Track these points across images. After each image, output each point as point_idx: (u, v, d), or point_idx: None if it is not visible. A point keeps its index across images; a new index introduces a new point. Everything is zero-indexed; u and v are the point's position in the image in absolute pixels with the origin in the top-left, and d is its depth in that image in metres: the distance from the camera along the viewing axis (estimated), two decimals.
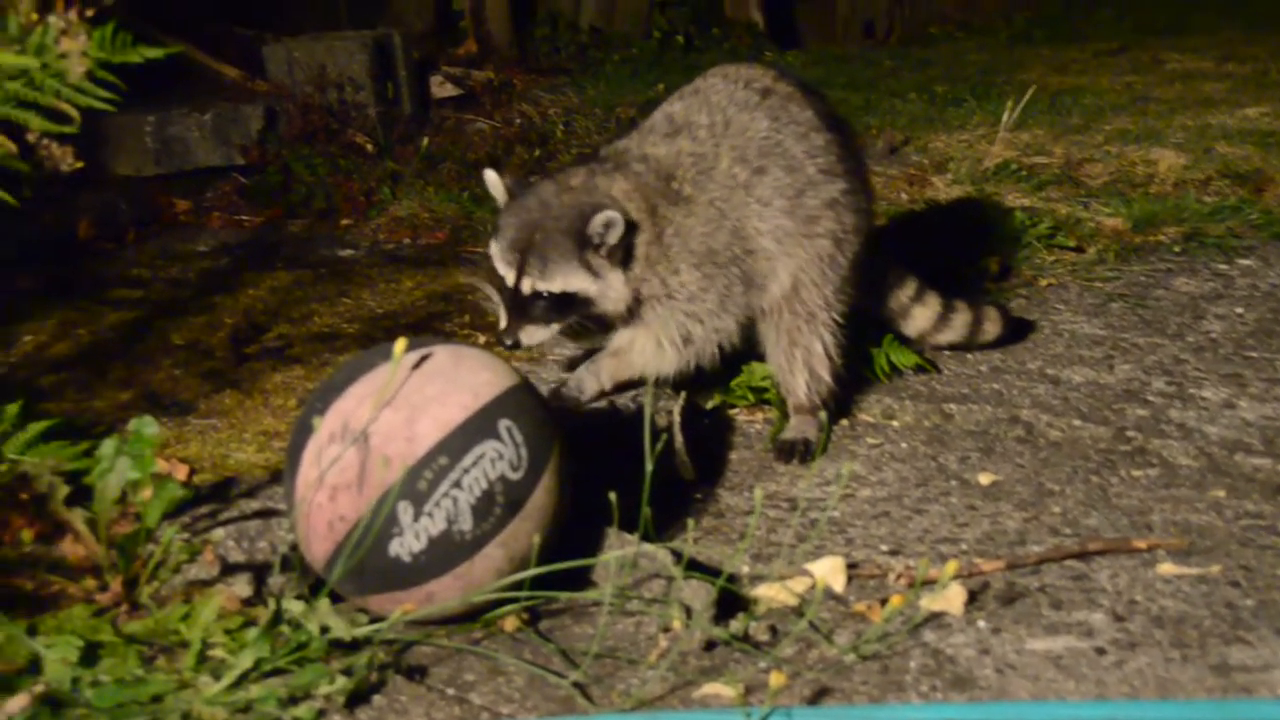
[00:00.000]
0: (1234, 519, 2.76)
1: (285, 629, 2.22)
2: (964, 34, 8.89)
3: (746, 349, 3.27)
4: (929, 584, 2.48)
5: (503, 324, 2.98)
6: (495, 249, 2.98)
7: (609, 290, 2.97)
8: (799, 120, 3.15)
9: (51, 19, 2.20)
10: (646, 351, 3.10)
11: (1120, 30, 8.30)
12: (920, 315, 3.53)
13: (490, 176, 3.07)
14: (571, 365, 3.35)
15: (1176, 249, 4.46)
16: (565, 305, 2.96)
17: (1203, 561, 2.59)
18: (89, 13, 2.23)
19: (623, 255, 2.96)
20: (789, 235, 3.10)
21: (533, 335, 2.98)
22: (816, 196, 3.12)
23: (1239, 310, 3.91)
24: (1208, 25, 8.14)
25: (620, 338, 3.12)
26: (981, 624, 2.41)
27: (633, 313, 3.04)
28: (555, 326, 2.98)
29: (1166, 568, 2.57)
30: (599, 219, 2.89)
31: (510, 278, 2.95)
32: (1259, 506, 2.81)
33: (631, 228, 2.93)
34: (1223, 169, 5.11)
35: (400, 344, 2.32)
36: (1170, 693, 2.18)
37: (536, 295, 2.94)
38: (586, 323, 3.03)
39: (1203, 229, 4.57)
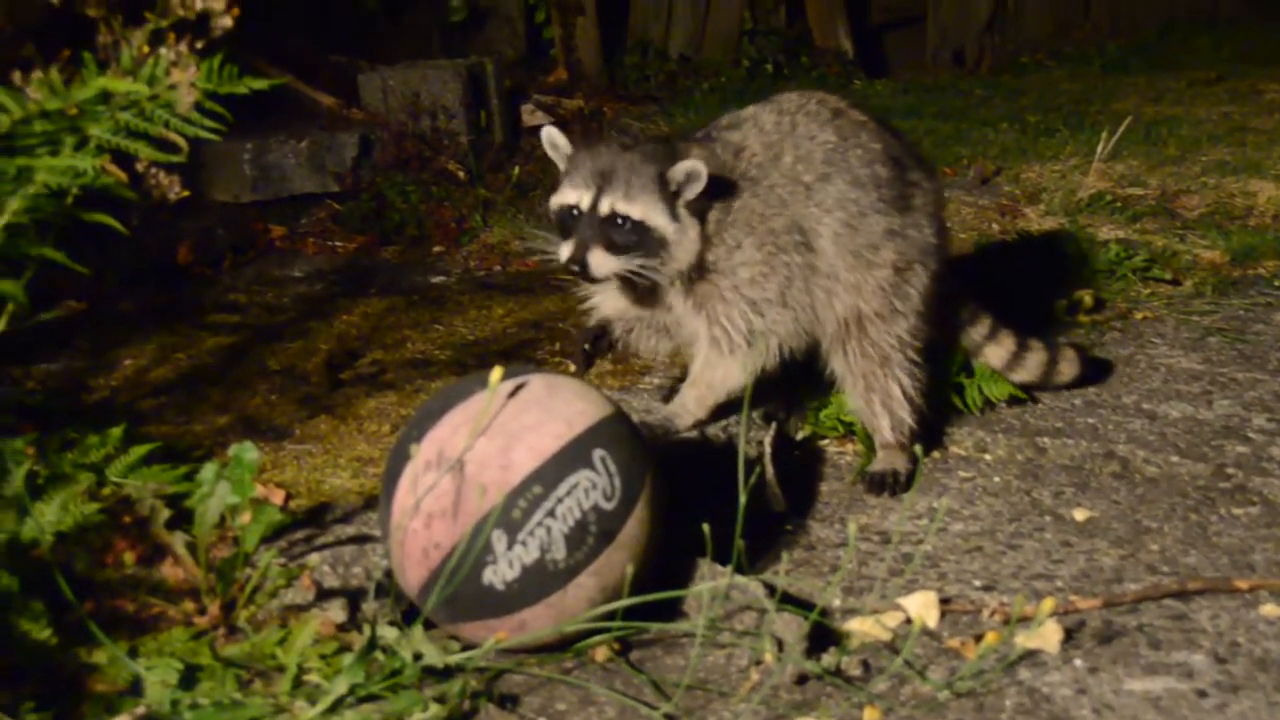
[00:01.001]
0: None
1: (379, 655, 2.24)
2: (1055, 63, 8.80)
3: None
4: (1024, 621, 2.45)
5: (569, 249, 2.90)
6: (569, 181, 2.94)
7: (684, 237, 2.94)
8: (867, 147, 3.13)
9: (163, 51, 2.24)
10: (714, 363, 3.08)
11: (1217, 59, 8.18)
12: (993, 354, 3.48)
13: (551, 131, 3.02)
14: (664, 398, 3.35)
15: (1277, 283, 4.39)
16: (639, 239, 2.90)
17: None
18: (199, 45, 2.28)
19: (698, 211, 2.95)
20: (849, 252, 3.09)
21: (602, 263, 2.90)
22: (878, 225, 3.09)
23: None
24: None
25: (694, 349, 3.13)
26: (1078, 663, 2.38)
27: (693, 284, 3.01)
28: (624, 260, 2.91)
29: (1269, 609, 2.52)
30: (682, 166, 2.89)
31: (587, 200, 2.90)
32: None
33: (709, 186, 2.91)
34: None
35: (496, 373, 2.33)
36: None
37: (614, 218, 2.89)
38: (651, 272, 2.95)
39: None
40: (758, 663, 2.36)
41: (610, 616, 2.32)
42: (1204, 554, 2.77)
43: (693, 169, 2.88)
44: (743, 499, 2.31)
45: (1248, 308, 4.18)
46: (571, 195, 2.92)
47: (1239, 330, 3.99)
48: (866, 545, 2.86)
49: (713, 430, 3.20)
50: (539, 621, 2.31)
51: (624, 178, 2.89)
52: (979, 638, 2.44)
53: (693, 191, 2.90)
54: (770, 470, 3.05)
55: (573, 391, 2.45)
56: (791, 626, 2.38)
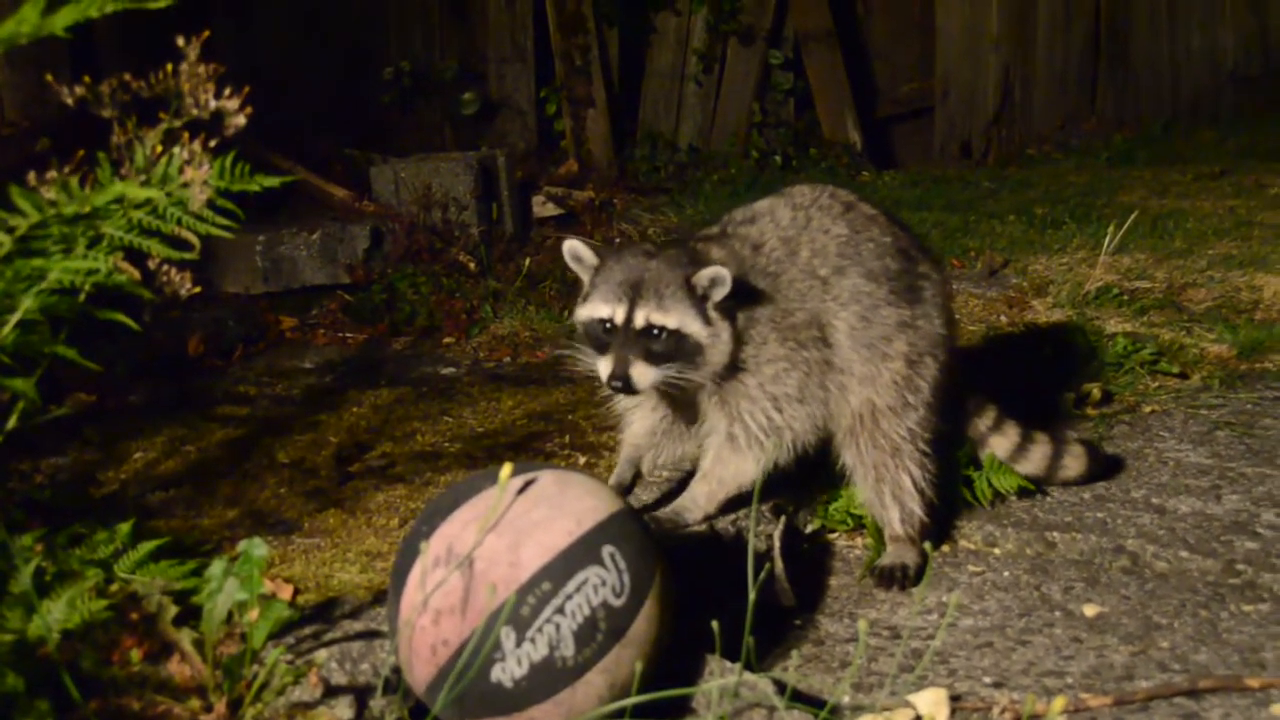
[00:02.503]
0: None
1: None
2: (1062, 155, 8.88)
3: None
4: (1036, 719, 2.44)
5: (608, 365, 2.91)
6: (599, 294, 2.94)
7: (718, 340, 2.95)
8: (878, 241, 3.17)
9: (176, 150, 2.28)
10: (727, 459, 3.09)
11: (1222, 153, 8.25)
12: (998, 444, 3.49)
13: (573, 245, 3.03)
14: (668, 495, 3.35)
15: None
16: (676, 347, 2.92)
17: None
18: (212, 143, 2.31)
19: (727, 312, 2.97)
20: (863, 345, 3.10)
21: (643, 375, 2.90)
22: (891, 317, 3.11)
23: None
24: None
25: (706, 443, 3.14)
26: None
27: (721, 383, 3.02)
28: (664, 370, 2.91)
29: None
30: (707, 272, 2.90)
31: (620, 314, 2.90)
32: None
33: (735, 286, 2.93)
34: None
35: (506, 469, 2.34)
36: None
37: (649, 330, 2.89)
38: (690, 378, 2.97)
39: None
40: None
41: (620, 714, 2.31)
42: (1215, 651, 2.75)
43: (717, 275, 2.89)
44: (752, 595, 2.30)
45: (1255, 402, 4.19)
46: (604, 309, 2.93)
47: (1247, 425, 3.99)
48: (876, 640, 2.85)
49: (721, 524, 3.20)
50: (548, 719, 2.30)
51: (654, 287, 2.90)
52: None
53: (720, 294, 2.92)
54: (779, 565, 3.05)
55: (583, 488, 2.45)
56: None
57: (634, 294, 2.90)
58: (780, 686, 2.42)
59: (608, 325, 2.92)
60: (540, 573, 2.28)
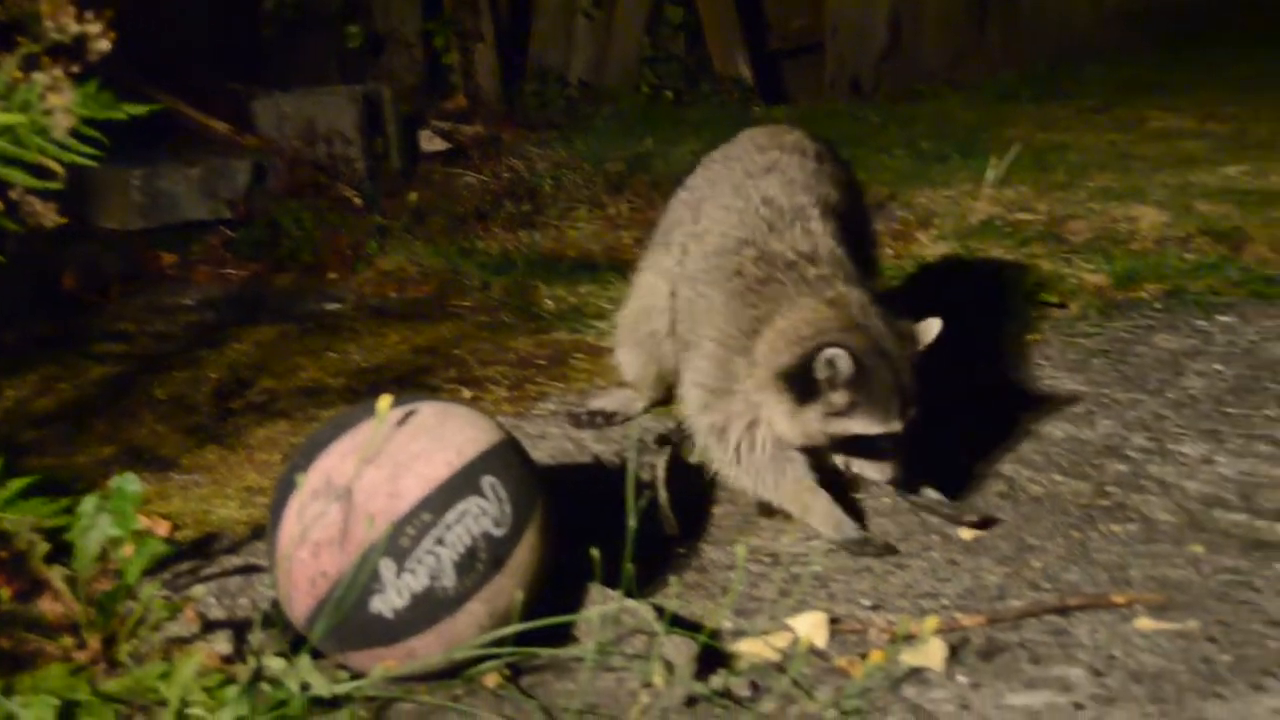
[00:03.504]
0: (1211, 574, 2.78)
1: (265, 686, 2.22)
2: (951, 91, 8.94)
3: None
4: (910, 639, 2.48)
5: (892, 471, 2.89)
6: (874, 408, 2.82)
7: None
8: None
9: (37, 76, 2.22)
10: None
11: (1105, 89, 8.35)
12: None
13: (834, 354, 2.77)
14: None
15: (1158, 305, 4.49)
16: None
17: (1180, 617, 2.60)
18: (74, 69, 2.25)
19: None
20: None
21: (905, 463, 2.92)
22: None
23: (1218, 367, 3.93)
24: (1190, 86, 8.19)
25: None
26: (961, 679, 2.41)
27: None
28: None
29: (1145, 623, 2.58)
30: (925, 336, 2.92)
31: (898, 424, 2.85)
32: (1236, 561, 2.82)
33: None
34: (1203, 226, 5.14)
35: (384, 400, 2.33)
36: None
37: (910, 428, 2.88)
38: None
39: (1183, 286, 4.60)
40: (647, 685, 2.37)
41: (500, 643, 2.32)
42: (1084, 570, 2.83)
43: (933, 332, 2.93)
44: (632, 522, 2.32)
45: (1130, 330, 4.28)
46: (884, 425, 2.84)
47: (1121, 352, 4.08)
48: (758, 567, 2.88)
49: (607, 455, 3.21)
50: (428, 649, 2.31)
51: (909, 383, 2.86)
52: (866, 657, 2.46)
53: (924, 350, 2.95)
54: (663, 494, 3.07)
55: (463, 419, 2.45)
56: (681, 649, 2.40)
57: (904, 404, 2.85)
58: (660, 612, 2.44)
59: (887, 440, 2.87)
60: (420, 504, 2.28)
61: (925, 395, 2.88)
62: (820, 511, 3.01)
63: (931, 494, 3.08)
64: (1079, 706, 2.32)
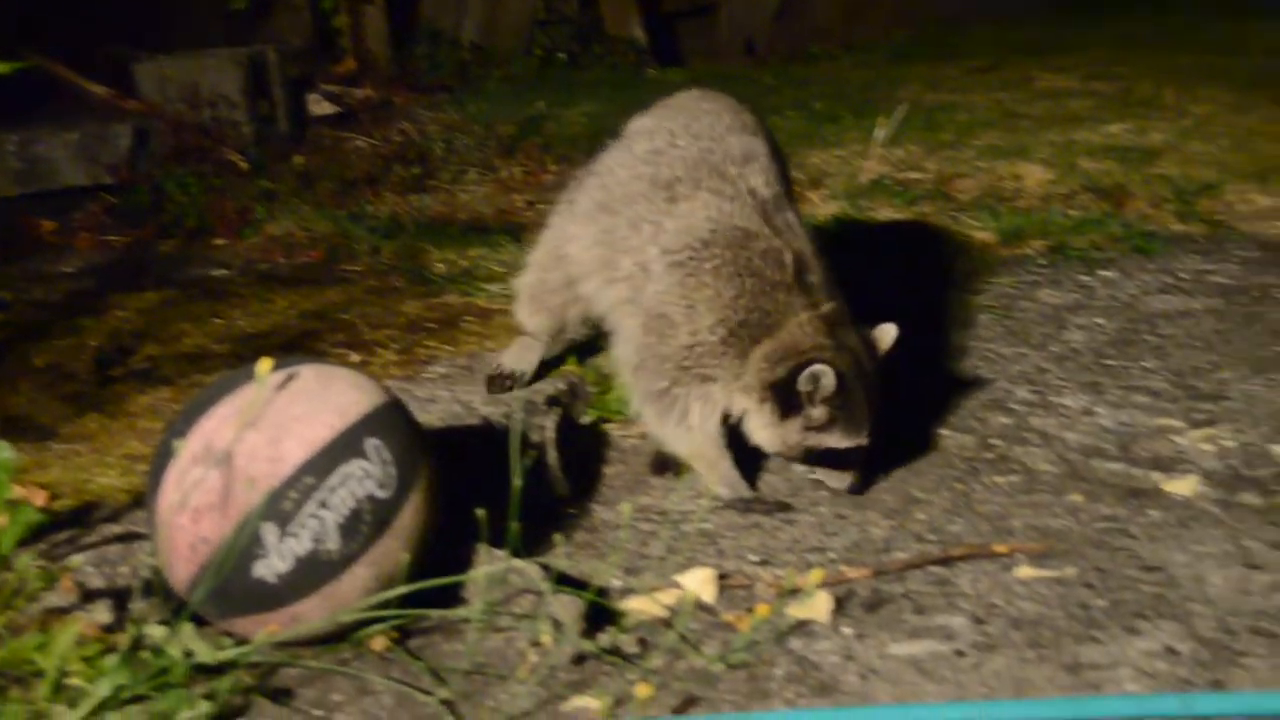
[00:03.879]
0: (1089, 522, 2.84)
1: (147, 655, 2.19)
2: (843, 52, 9.01)
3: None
4: (796, 593, 2.51)
5: (850, 480, 2.98)
6: (850, 424, 2.90)
7: None
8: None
9: None
10: None
11: (993, 49, 8.46)
12: None
13: (818, 370, 2.82)
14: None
15: (1042, 261, 4.57)
16: None
17: (1059, 564, 2.66)
18: None
19: None
20: None
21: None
22: None
23: (1099, 320, 4.01)
24: (1076, 45, 8.33)
25: None
26: (847, 630, 2.45)
27: None
28: None
29: (1025, 571, 2.63)
30: (889, 341, 3.04)
31: (867, 440, 2.94)
32: (1113, 510, 2.89)
33: None
34: (1086, 184, 5.24)
35: (264, 363, 2.30)
36: (1025, 692, 2.23)
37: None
38: None
39: (1067, 242, 4.69)
40: (535, 644, 2.38)
41: (387, 605, 2.31)
42: (968, 521, 2.87)
43: (893, 336, 3.05)
44: (517, 482, 2.32)
45: (1015, 285, 4.35)
46: (855, 439, 2.92)
47: (1006, 307, 4.14)
48: (647, 526, 2.90)
49: (496, 417, 3.20)
50: (314, 613, 2.29)
51: (879, 402, 2.95)
52: (753, 611, 2.48)
53: None
54: (553, 455, 3.07)
55: (346, 381, 2.43)
56: (568, 607, 2.40)
57: (873, 416, 2.93)
58: (548, 571, 2.44)
59: (850, 455, 2.95)
60: (302, 467, 2.26)
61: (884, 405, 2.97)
62: (723, 471, 3.03)
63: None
64: (960, 654, 2.36)
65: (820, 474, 3.01)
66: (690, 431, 3.02)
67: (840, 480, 2.97)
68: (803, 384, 2.83)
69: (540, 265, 3.39)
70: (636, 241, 3.09)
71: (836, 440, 2.90)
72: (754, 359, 2.92)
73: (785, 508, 2.98)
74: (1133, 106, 6.54)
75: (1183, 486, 2.98)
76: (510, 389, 3.35)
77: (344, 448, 2.30)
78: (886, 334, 3.03)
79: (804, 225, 3.12)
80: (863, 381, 2.91)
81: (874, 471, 3.04)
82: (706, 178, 3.08)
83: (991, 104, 6.76)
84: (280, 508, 2.23)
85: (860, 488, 3.00)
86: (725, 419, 3.01)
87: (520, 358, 3.43)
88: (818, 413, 2.87)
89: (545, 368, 3.48)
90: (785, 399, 2.88)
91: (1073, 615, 2.47)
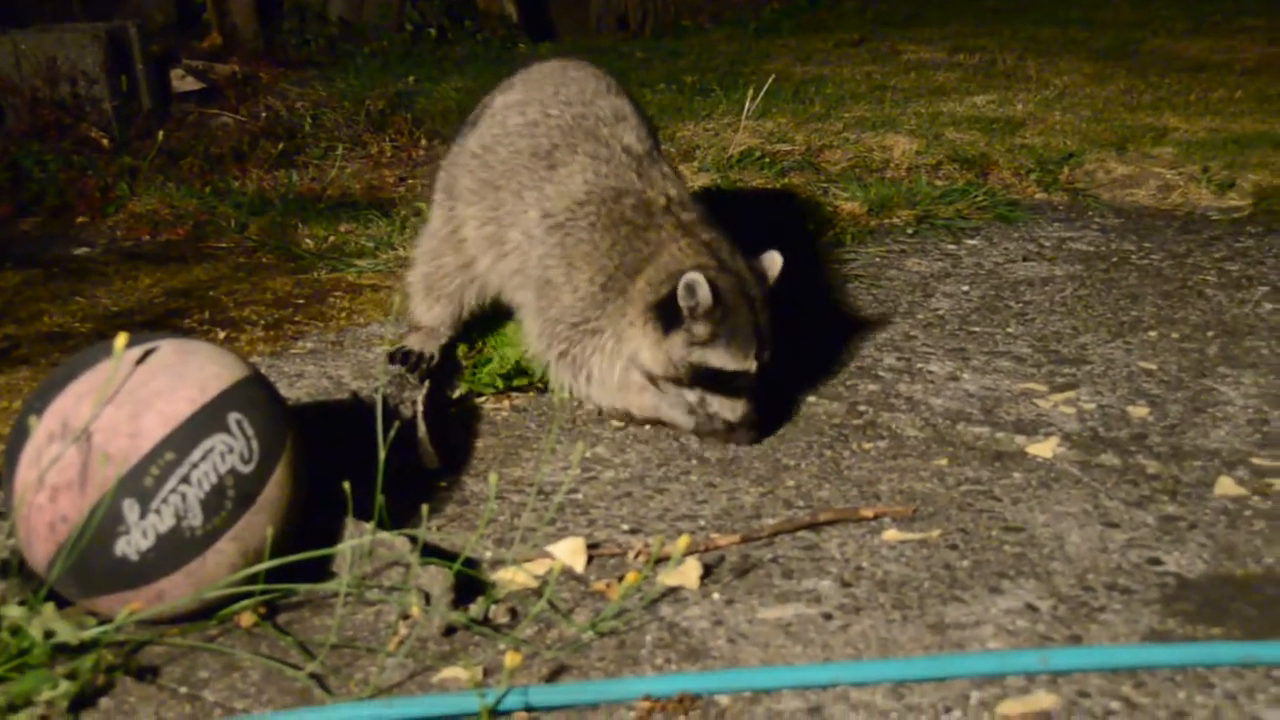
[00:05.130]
0: (954, 485, 2.89)
1: (5, 635, 2.14)
2: (714, 26, 9.05)
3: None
4: (665, 560, 2.53)
5: (742, 409, 3.00)
6: (732, 344, 2.92)
7: None
8: None
9: None
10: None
11: (862, 22, 8.56)
12: None
13: (693, 279, 2.88)
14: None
15: (909, 231, 4.64)
16: None
17: (925, 526, 2.71)
18: None
19: None
20: None
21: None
22: None
23: (965, 288, 4.08)
24: (942, 18, 8.45)
25: None
26: (716, 596, 2.47)
27: None
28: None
29: (891, 534, 2.68)
30: (774, 270, 3.06)
31: (755, 365, 2.93)
32: (977, 472, 2.94)
33: None
34: (952, 154, 5.32)
35: (121, 338, 2.26)
36: (890, 652, 2.27)
37: (763, 369, 2.96)
38: None
39: (933, 211, 4.76)
40: (405, 617, 2.37)
41: (253, 580, 2.28)
42: (836, 486, 2.91)
43: (777, 263, 3.09)
44: (382, 453, 2.31)
45: (883, 255, 4.41)
46: (742, 363, 2.94)
47: (875, 276, 4.19)
48: (520, 498, 2.89)
49: (366, 392, 3.18)
50: (178, 590, 2.26)
51: (765, 326, 2.97)
52: (624, 579, 2.50)
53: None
54: (423, 428, 3.06)
55: (205, 355, 2.39)
56: (437, 579, 2.40)
57: (760, 341, 2.94)
58: (415, 542, 2.43)
59: (739, 380, 2.96)
60: (163, 443, 2.22)
61: (777, 343, 3.00)
62: (666, 409, 3.13)
63: None
64: (827, 616, 2.39)
65: (714, 405, 3.03)
66: (604, 387, 3.10)
67: (734, 411, 2.99)
68: (681, 297, 2.89)
69: (432, 254, 3.39)
70: (521, 211, 3.13)
71: (721, 359, 2.93)
72: (636, 291, 2.99)
73: (755, 427, 3.10)
74: (996, 78, 6.66)
75: (1044, 449, 3.04)
76: (416, 368, 3.33)
77: (205, 422, 2.27)
78: (774, 262, 3.07)
79: (678, 175, 3.19)
80: (748, 304, 2.94)
81: (770, 422, 3.05)
82: (582, 142, 3.16)
83: (860, 77, 6.83)
84: (141, 484, 2.20)
85: (757, 435, 3.03)
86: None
87: (425, 343, 3.41)
88: (700, 328, 2.91)
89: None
90: (666, 316, 2.94)
91: (937, 576, 2.52)
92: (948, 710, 2.11)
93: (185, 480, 2.22)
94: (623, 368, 3.08)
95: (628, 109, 3.27)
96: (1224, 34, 7.58)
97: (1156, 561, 2.55)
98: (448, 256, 3.35)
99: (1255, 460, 2.93)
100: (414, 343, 3.40)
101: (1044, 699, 2.12)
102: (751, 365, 2.95)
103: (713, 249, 3.00)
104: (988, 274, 4.21)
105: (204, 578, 2.27)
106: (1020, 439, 3.09)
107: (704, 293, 2.87)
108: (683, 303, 2.90)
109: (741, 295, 2.94)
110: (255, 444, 2.31)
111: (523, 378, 3.42)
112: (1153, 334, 3.67)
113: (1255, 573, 2.49)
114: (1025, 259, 4.34)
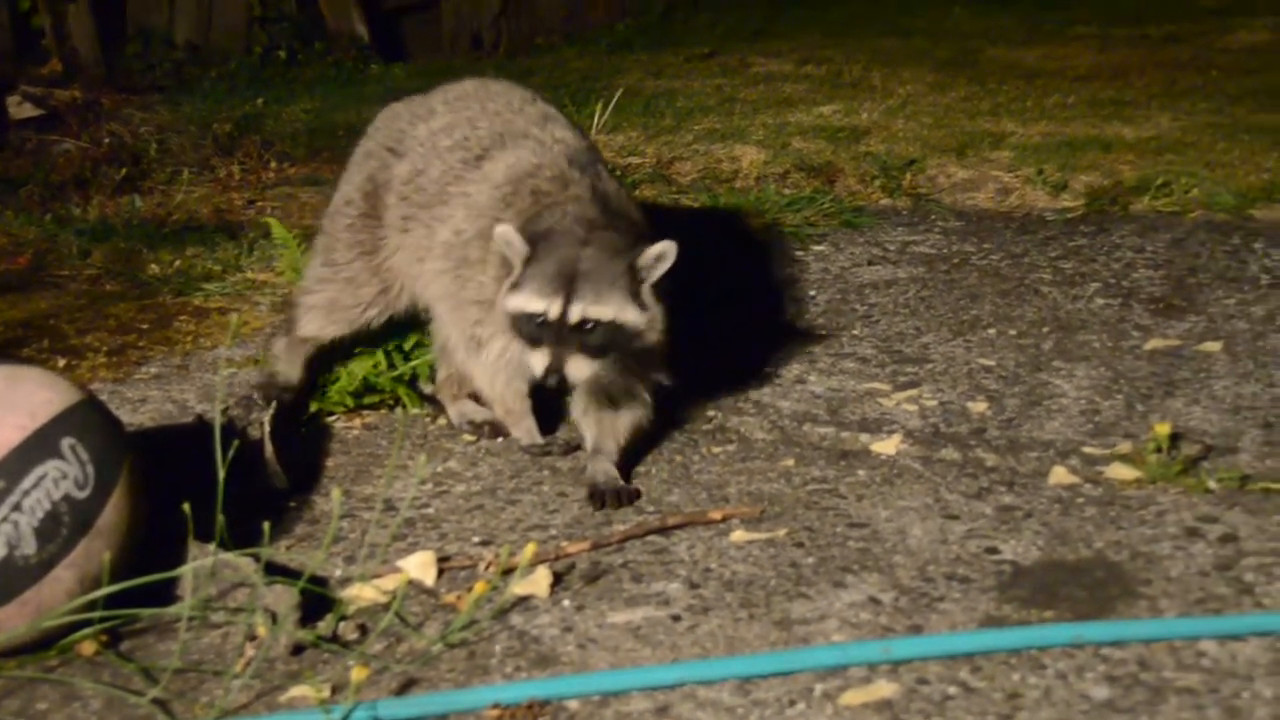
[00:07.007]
0: (801, 485, 2.94)
1: None
2: (568, 45, 9.07)
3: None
4: (513, 570, 2.53)
5: (544, 360, 2.78)
6: (532, 286, 2.79)
7: (655, 323, 2.87)
8: None
9: None
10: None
11: (712, 36, 8.64)
12: None
13: (503, 230, 2.83)
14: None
15: (757, 239, 4.70)
16: (610, 338, 2.81)
17: (772, 526, 2.75)
18: None
19: (662, 286, 2.87)
20: None
21: (580, 369, 2.79)
22: None
23: (811, 293, 4.15)
24: (790, 31, 8.56)
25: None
26: (566, 603, 2.49)
27: None
28: (600, 362, 2.81)
29: (739, 535, 2.72)
30: (654, 250, 2.81)
31: (555, 308, 2.76)
32: (824, 472, 3.00)
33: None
34: (799, 163, 5.41)
35: None
36: (737, 650, 2.31)
37: (584, 324, 2.77)
38: (626, 361, 2.92)
39: (781, 219, 4.83)
40: (251, 638, 2.35)
41: (93, 607, 2.25)
42: (686, 491, 2.95)
43: (664, 250, 2.81)
44: (221, 472, 2.29)
45: None
46: (537, 303, 2.78)
47: None
48: (371, 515, 2.88)
49: (210, 415, 3.14)
50: (13, 621, 2.22)
51: (590, 280, 2.78)
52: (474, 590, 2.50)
53: (660, 272, 2.83)
54: (270, 448, 3.03)
55: (36, 381, 2.36)
56: (283, 598, 2.38)
57: (569, 288, 2.76)
58: (258, 561, 2.41)
59: (540, 320, 2.78)
60: None
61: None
62: (519, 418, 3.17)
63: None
64: (676, 618, 2.42)
65: (525, 356, 2.88)
66: (496, 371, 3.11)
67: (539, 361, 2.80)
68: (498, 245, 2.87)
69: (347, 281, 3.32)
70: (449, 215, 3.15)
71: (524, 301, 2.81)
72: None
73: (574, 448, 3.12)
74: (842, 88, 6.77)
75: (888, 446, 3.11)
76: (286, 400, 3.26)
77: (37, 448, 2.23)
78: (658, 248, 2.83)
79: (613, 177, 3.19)
80: (564, 256, 2.80)
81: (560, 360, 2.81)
82: (513, 139, 3.16)
83: (710, 89, 6.90)
84: None
85: (557, 370, 2.79)
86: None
87: (291, 364, 3.38)
88: (516, 275, 2.85)
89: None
90: (501, 264, 2.91)
91: (783, 574, 2.56)
92: (792, 703, 2.15)
93: (17, 508, 2.19)
94: (513, 360, 3.06)
95: (555, 113, 3.29)
96: (1058, 42, 7.79)
97: (994, 550, 2.62)
98: (366, 287, 3.31)
99: (1087, 449, 3.02)
100: (282, 367, 3.36)
101: (885, 688, 2.17)
102: (551, 309, 2.78)
103: (588, 215, 2.92)
104: (834, 278, 4.29)
105: (41, 607, 2.23)
106: (865, 437, 3.15)
107: (515, 241, 2.82)
108: (500, 249, 2.87)
109: (556, 244, 2.84)
110: (91, 469, 2.28)
111: (373, 395, 3.40)
112: (991, 331, 3.77)
113: (1086, 557, 2.58)
114: (870, 263, 4.43)
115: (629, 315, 2.82)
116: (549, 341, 2.79)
